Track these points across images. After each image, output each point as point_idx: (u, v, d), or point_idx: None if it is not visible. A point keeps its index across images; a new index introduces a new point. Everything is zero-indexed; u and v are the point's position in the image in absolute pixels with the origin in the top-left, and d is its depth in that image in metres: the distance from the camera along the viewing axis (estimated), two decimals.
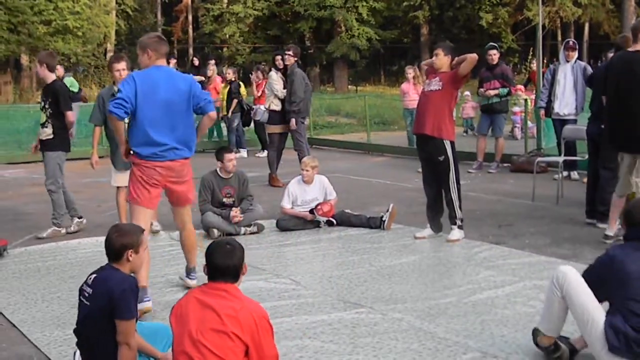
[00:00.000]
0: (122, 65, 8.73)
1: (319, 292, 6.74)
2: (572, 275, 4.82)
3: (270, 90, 13.23)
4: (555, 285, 4.86)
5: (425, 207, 8.96)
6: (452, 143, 8.56)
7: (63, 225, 9.46)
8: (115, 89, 8.88)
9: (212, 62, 20.66)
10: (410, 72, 16.50)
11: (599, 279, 4.75)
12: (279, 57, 13.31)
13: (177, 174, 6.51)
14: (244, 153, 17.79)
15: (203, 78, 23.12)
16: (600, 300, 4.73)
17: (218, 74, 21.77)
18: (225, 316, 4.10)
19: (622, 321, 4.56)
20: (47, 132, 9.30)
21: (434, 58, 8.73)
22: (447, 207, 8.73)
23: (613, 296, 4.68)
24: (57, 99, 9.24)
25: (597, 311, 4.68)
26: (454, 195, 8.59)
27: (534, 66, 22.38)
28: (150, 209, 6.57)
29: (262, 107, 13.87)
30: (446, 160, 8.51)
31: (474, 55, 8.39)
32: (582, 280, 4.80)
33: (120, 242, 4.53)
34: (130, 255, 4.56)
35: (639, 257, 4.64)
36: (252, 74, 18.40)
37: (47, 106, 9.26)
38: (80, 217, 9.72)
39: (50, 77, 9.29)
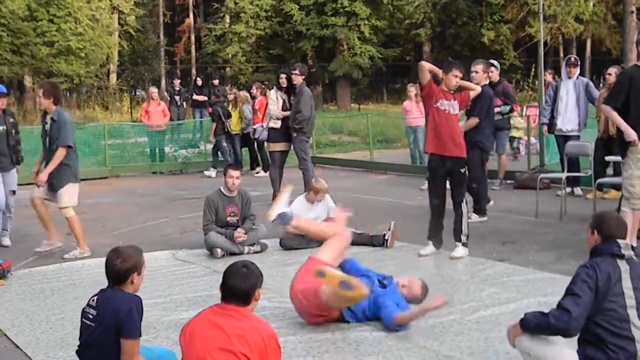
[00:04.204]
0: None
1: None
2: (528, 338, 4.69)
3: (269, 111, 13.26)
4: (522, 352, 4.78)
5: (429, 223, 8.97)
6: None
7: None
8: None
9: (155, 88, 20.51)
10: (412, 90, 16.51)
11: (591, 290, 4.52)
12: (283, 76, 13.30)
13: None
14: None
15: (205, 98, 23.24)
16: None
17: (224, 94, 21.80)
18: (233, 336, 4.10)
19: (592, 350, 4.49)
20: None
21: (455, 80, 8.65)
22: (455, 222, 8.74)
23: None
24: None
25: (572, 359, 4.57)
26: (465, 210, 8.72)
27: (547, 78, 22.45)
28: None
29: (261, 125, 13.87)
30: (465, 172, 8.74)
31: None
32: (539, 337, 4.65)
33: (126, 268, 4.54)
34: (134, 278, 4.57)
35: (617, 288, 4.52)
36: (253, 90, 18.44)
37: None
38: None
39: None
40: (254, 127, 16.75)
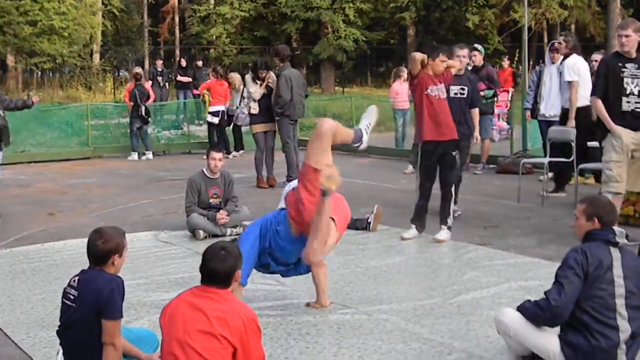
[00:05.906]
0: None
1: (304, 293, 6.73)
2: (508, 319, 4.70)
3: (249, 94, 13.20)
4: (503, 333, 4.78)
5: (416, 206, 8.96)
6: None
7: None
8: None
9: (139, 69, 20.30)
10: (404, 72, 16.47)
11: (579, 277, 4.51)
12: (264, 72, 13.12)
13: None
14: (149, 155, 17.79)
15: (190, 79, 23.15)
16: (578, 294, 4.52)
17: (207, 74, 21.71)
18: (213, 318, 4.10)
19: (574, 335, 4.50)
20: None
21: (444, 64, 8.73)
22: (442, 206, 8.75)
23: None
24: None
25: (552, 340, 4.58)
26: (453, 193, 8.84)
27: (504, 64, 22.55)
28: None
29: (243, 111, 13.77)
30: (456, 155, 8.80)
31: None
32: (520, 318, 4.64)
33: (108, 249, 4.50)
34: (115, 260, 4.55)
35: (606, 276, 4.51)
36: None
37: None
38: None
39: None
40: (220, 108, 16.95)
